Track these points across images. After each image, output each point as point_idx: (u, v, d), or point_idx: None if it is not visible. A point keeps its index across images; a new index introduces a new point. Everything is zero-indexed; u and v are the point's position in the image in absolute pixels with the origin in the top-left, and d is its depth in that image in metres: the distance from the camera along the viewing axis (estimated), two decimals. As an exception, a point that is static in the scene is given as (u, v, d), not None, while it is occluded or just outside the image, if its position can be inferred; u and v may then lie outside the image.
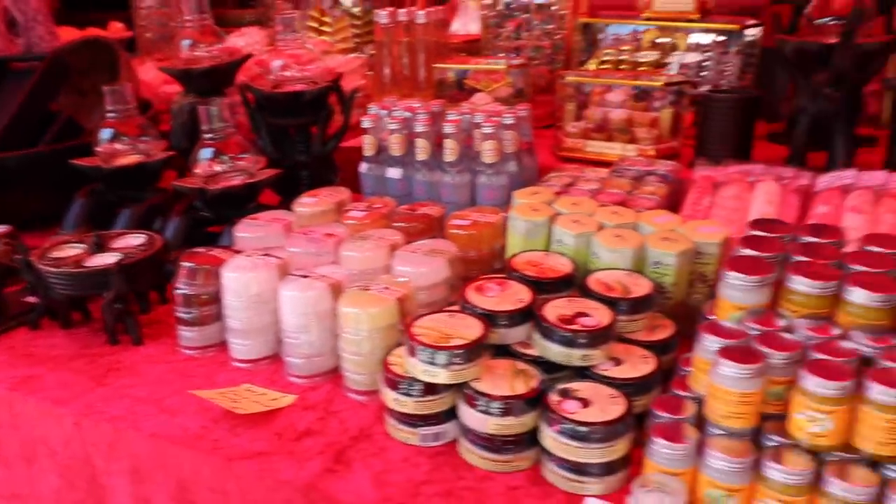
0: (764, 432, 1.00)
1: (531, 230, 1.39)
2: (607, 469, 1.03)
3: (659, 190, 1.62)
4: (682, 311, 1.31)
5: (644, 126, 1.87)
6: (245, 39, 2.53)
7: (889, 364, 0.96)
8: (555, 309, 1.17)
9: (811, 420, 0.95)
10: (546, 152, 2.03)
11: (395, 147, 1.76)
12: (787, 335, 1.04)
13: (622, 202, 1.56)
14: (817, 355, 0.98)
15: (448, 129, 1.69)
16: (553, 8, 2.35)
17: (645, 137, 1.87)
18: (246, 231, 1.54)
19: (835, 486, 0.92)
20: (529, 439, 1.08)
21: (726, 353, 0.99)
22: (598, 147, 1.92)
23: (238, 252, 1.43)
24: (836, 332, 1.05)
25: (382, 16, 2.22)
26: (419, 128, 1.72)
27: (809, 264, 1.12)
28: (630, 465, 1.06)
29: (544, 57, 2.34)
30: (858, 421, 0.94)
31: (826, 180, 1.61)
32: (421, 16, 2.19)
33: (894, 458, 0.93)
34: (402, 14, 2.22)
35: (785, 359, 0.99)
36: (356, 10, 2.63)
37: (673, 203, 1.65)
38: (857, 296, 1.05)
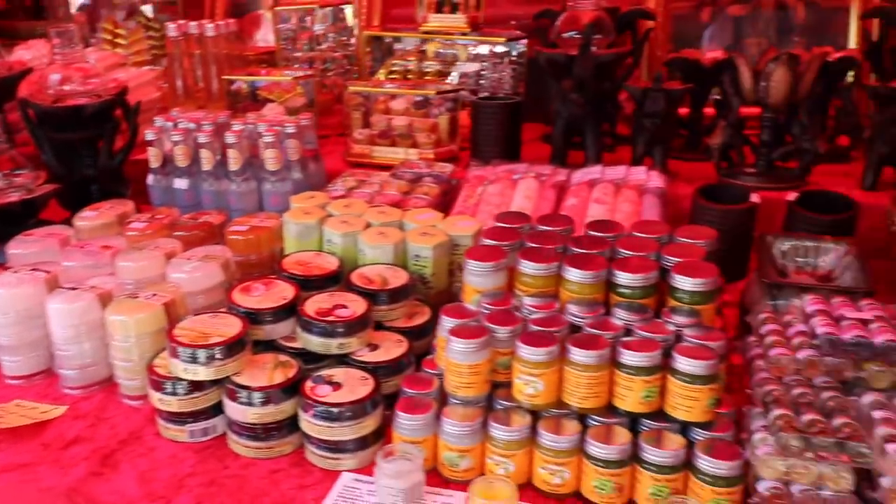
0: (496, 398, 1.14)
1: (303, 232, 1.47)
2: (360, 444, 1.13)
3: (432, 190, 1.75)
4: (444, 299, 1.43)
5: (424, 131, 2.00)
6: (32, 52, 2.45)
7: (592, 331, 1.12)
8: (315, 304, 1.25)
9: (526, 383, 1.09)
10: (339, 158, 2.12)
11: (181, 158, 1.79)
12: (514, 312, 1.18)
13: (397, 203, 1.68)
14: (534, 327, 1.13)
15: (230, 139, 1.74)
16: (349, 21, 2.45)
17: (425, 142, 2.00)
18: (19, 247, 1.52)
19: (545, 438, 1.06)
20: (291, 425, 1.16)
21: (456, 331, 1.11)
22: (383, 152, 2.03)
23: (7, 269, 1.42)
24: (556, 306, 1.20)
25: (172, 28, 2.23)
26: (202, 139, 1.76)
27: (537, 250, 1.27)
28: (382, 440, 1.16)
29: (340, 67, 2.44)
30: (564, 380, 1.09)
31: (578, 175, 1.80)
32: (210, 29, 2.22)
33: (595, 409, 1.08)
34: (193, 27, 2.24)
35: (508, 332, 1.13)
36: (153, 21, 2.61)
37: (447, 201, 1.78)
38: (573, 274, 1.20)
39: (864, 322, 1.09)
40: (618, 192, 1.71)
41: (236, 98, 2.22)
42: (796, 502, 0.95)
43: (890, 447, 0.92)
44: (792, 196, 1.58)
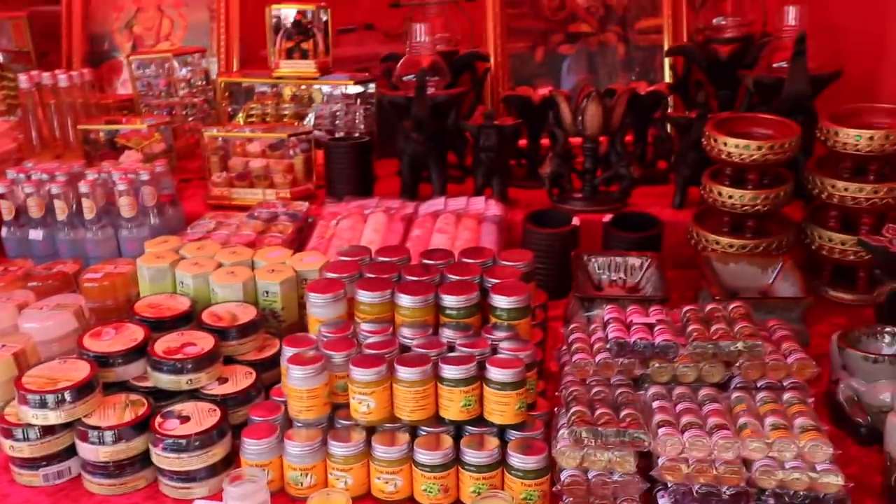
0: (336, 418, 1.25)
1: (155, 276, 1.54)
2: (210, 472, 1.21)
3: (286, 228, 1.84)
4: (296, 330, 1.52)
5: (280, 172, 2.10)
6: None
7: (419, 350, 1.24)
8: (165, 343, 1.33)
9: (360, 402, 1.20)
10: (201, 201, 2.18)
11: (34, 209, 1.82)
12: (351, 338, 1.29)
13: (253, 242, 1.77)
14: (368, 351, 1.24)
15: (83, 188, 1.78)
16: (206, 66, 2.53)
17: (282, 182, 2.10)
18: None
19: (378, 450, 1.18)
20: (143, 460, 1.23)
21: (293, 359, 1.22)
22: (242, 193, 2.11)
23: None
24: (390, 330, 1.32)
25: (23, 80, 2.24)
26: (55, 189, 1.80)
27: (373, 280, 1.39)
28: (232, 466, 1.24)
29: (200, 112, 2.50)
30: (395, 397, 1.20)
31: (423, 208, 1.94)
32: (63, 79, 2.25)
33: (423, 420, 1.20)
34: (46, 77, 2.26)
35: (344, 357, 1.24)
36: (7, 71, 2.60)
37: (302, 238, 1.89)
38: (403, 300, 1.33)
39: (650, 326, 1.26)
40: (459, 221, 1.86)
41: (94, 146, 2.25)
42: (591, 486, 1.10)
43: (661, 431, 1.09)
44: (607, 217, 1.78)
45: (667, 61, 2.36)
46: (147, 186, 1.84)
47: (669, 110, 2.30)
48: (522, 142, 2.25)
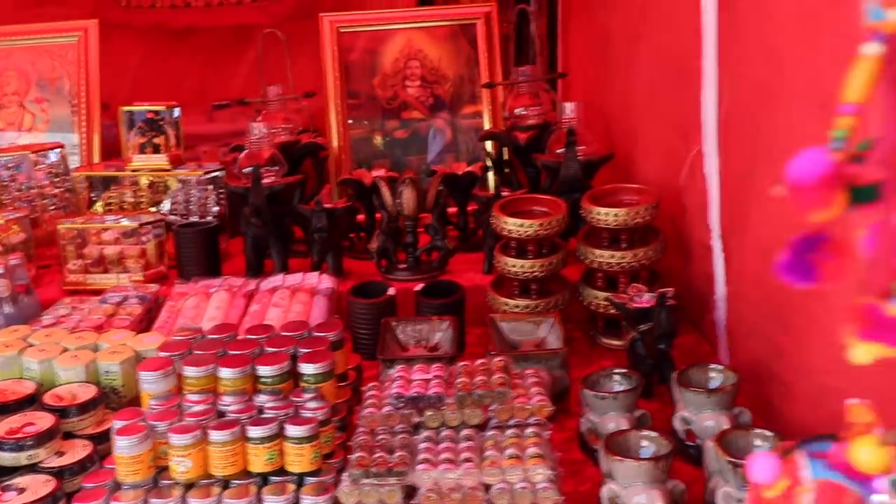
0: (160, 479, 1.45)
1: (3, 363, 1.71)
2: (45, 536, 1.39)
3: (135, 310, 2.04)
4: (137, 405, 1.71)
5: (133, 257, 2.29)
6: None
7: (232, 415, 1.47)
8: (7, 424, 1.51)
9: (178, 463, 1.41)
10: (58, 287, 2.35)
11: None
12: (175, 409, 1.50)
13: (101, 326, 1.95)
14: (188, 419, 1.46)
15: (-63, 285, 1.94)
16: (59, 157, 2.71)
17: (135, 267, 2.29)
18: None
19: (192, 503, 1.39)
20: (-16, 530, 1.39)
21: (120, 430, 1.42)
22: (97, 279, 2.29)
23: None
24: (211, 400, 1.53)
25: None
26: None
27: (199, 356, 1.61)
28: (68, 529, 1.42)
29: (61, 201, 2.67)
30: (209, 457, 1.42)
31: (264, 284, 2.17)
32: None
33: (235, 475, 1.42)
34: None
35: (166, 425, 1.45)
36: None
37: (151, 318, 2.08)
38: (224, 372, 1.55)
39: (427, 381, 1.52)
40: (293, 295, 2.10)
41: (-46, 240, 2.38)
42: (368, 518, 1.34)
43: (420, 467, 1.34)
44: (418, 287, 2.05)
45: (488, 144, 2.69)
46: (1, 279, 2.00)
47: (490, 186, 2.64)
48: (361, 217, 2.53)
